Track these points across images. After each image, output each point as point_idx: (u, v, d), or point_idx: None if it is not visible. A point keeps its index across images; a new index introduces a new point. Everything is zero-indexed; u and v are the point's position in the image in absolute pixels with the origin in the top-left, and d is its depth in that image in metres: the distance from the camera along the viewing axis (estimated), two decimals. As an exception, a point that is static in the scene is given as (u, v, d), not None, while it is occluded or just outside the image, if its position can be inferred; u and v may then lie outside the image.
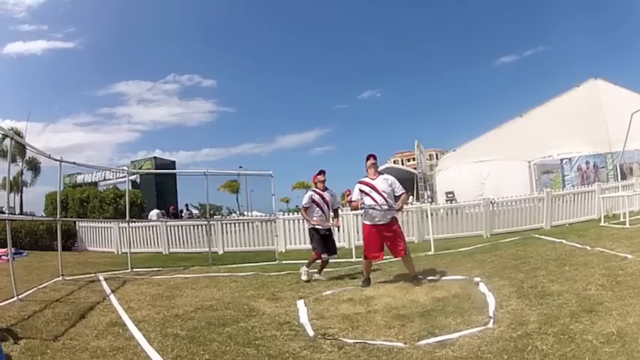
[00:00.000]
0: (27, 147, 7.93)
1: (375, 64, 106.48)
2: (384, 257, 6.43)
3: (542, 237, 9.62)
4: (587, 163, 19.50)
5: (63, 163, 8.19)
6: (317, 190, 7.29)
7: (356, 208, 6.56)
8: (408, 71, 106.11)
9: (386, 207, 6.07)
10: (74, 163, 8.80)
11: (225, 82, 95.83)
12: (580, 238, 8.54)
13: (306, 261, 7.18)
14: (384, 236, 6.14)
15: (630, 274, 5.18)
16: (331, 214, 7.33)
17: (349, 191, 6.47)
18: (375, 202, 6.08)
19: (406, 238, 11.39)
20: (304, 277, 6.86)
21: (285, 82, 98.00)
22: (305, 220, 7.75)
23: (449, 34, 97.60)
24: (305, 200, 7.37)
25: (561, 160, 19.64)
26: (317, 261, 7.11)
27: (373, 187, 6.16)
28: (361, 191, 6.23)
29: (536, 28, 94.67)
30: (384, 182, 6.21)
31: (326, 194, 7.23)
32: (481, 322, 4.03)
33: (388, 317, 4.48)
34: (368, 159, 6.37)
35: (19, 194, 31.34)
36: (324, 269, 7.23)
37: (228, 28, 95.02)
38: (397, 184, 6.29)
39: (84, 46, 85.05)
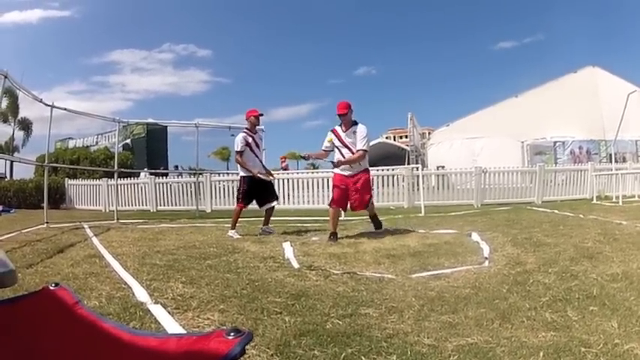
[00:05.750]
0: (19, 89, 7.62)
1: (372, 42, 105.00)
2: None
3: (534, 208, 9.48)
4: (581, 147, 19.47)
5: (54, 118, 8.29)
6: (249, 131, 6.17)
7: (320, 158, 5.98)
8: (405, 50, 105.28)
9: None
10: (65, 109, 8.76)
11: (221, 53, 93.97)
12: (572, 210, 8.36)
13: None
14: (348, 187, 5.61)
15: (628, 234, 5.01)
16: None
17: (284, 158, 6.08)
18: (343, 157, 5.59)
19: (396, 203, 11.41)
20: (234, 235, 6.06)
21: (281, 55, 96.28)
22: (243, 170, 6.16)
23: (449, 17, 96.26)
24: (240, 143, 6.07)
25: (555, 142, 19.60)
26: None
27: (342, 142, 5.63)
28: (332, 142, 5.71)
29: (538, 16, 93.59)
30: (353, 135, 5.60)
31: (257, 137, 6.25)
32: (476, 262, 3.84)
33: (378, 256, 4.27)
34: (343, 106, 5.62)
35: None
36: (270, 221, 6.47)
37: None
38: (364, 139, 5.59)
39: (80, 14, 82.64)
